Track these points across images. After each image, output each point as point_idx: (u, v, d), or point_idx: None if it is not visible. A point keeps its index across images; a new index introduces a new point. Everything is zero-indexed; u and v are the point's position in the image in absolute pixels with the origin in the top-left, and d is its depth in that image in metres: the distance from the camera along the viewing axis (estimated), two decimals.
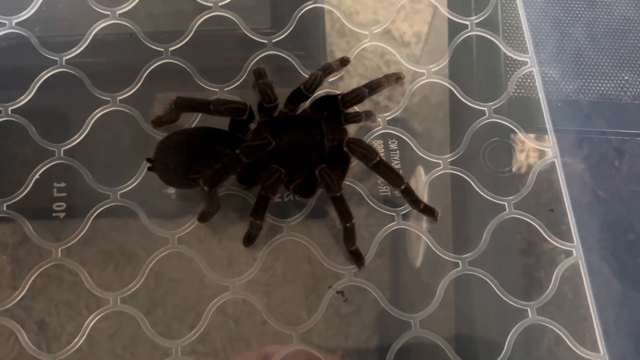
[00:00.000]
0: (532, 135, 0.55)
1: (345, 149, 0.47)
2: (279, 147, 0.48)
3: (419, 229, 0.51)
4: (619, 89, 0.56)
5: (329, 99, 0.50)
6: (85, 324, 0.48)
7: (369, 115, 0.51)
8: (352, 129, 0.53)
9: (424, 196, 0.52)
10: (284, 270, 0.50)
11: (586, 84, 0.56)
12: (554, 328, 0.49)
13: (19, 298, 0.49)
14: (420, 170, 0.53)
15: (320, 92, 0.52)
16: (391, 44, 0.58)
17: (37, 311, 0.48)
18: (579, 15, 0.57)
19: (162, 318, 0.48)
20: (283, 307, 0.49)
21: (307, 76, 0.55)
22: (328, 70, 0.51)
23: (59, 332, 0.48)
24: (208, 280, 0.49)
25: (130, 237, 0.51)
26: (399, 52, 0.57)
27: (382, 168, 0.47)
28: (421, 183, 0.53)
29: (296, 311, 0.49)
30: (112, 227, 0.51)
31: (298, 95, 0.50)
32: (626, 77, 0.56)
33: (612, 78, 0.56)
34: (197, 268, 0.50)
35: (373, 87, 0.50)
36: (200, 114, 0.53)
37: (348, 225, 0.47)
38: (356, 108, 0.52)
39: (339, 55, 0.56)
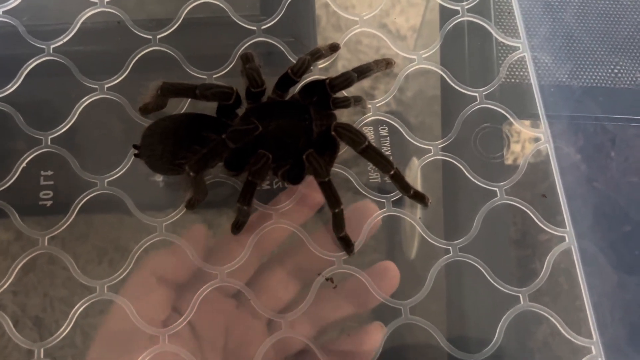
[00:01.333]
0: (524, 121, 0.54)
1: (333, 133, 0.47)
2: (266, 132, 0.47)
3: (410, 215, 0.51)
4: (612, 74, 0.55)
5: (317, 83, 0.49)
6: (72, 312, 0.47)
7: (358, 100, 0.51)
8: (342, 116, 0.53)
9: (416, 183, 0.52)
10: (273, 256, 0.49)
11: (579, 69, 0.55)
12: (546, 314, 0.48)
13: (4, 288, 0.48)
14: (411, 156, 0.53)
15: (309, 78, 0.52)
16: (385, 35, 0.57)
17: (20, 299, 0.48)
18: (571, 0, 0.57)
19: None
20: (272, 294, 0.48)
21: None
22: (317, 54, 0.51)
23: (48, 323, 0.48)
24: (195, 269, 0.49)
25: (118, 226, 0.50)
26: (393, 43, 0.56)
27: (371, 153, 0.47)
28: (412, 169, 0.52)
29: (287, 298, 0.48)
30: (100, 216, 0.51)
31: (286, 80, 0.50)
32: (619, 62, 0.55)
33: (605, 63, 0.55)
34: (185, 256, 0.49)
35: (362, 72, 0.49)
36: (188, 102, 0.52)
37: (337, 210, 0.47)
38: (345, 93, 0.51)
39: (332, 38, 0.56)
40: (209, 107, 0.50)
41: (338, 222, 0.47)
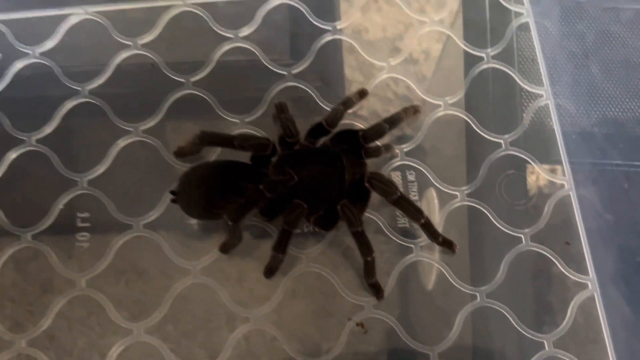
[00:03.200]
0: (547, 167, 0.55)
1: (366, 184, 0.48)
2: (300, 181, 0.49)
3: (437, 260, 0.52)
4: (634, 121, 0.57)
5: (350, 133, 0.51)
6: (109, 354, 0.49)
7: (388, 148, 0.52)
8: (370, 160, 0.54)
9: (441, 227, 0.53)
10: (305, 302, 0.51)
11: (602, 116, 0.57)
12: None
13: (44, 328, 0.49)
14: (438, 201, 0.54)
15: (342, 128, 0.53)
16: (402, 65, 0.58)
17: (62, 341, 0.49)
18: (594, 48, 0.58)
19: (179, 334, 0.49)
20: (304, 339, 0.50)
21: (325, 107, 0.56)
22: (348, 103, 0.52)
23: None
24: (229, 312, 0.50)
25: (152, 267, 0.52)
26: (409, 73, 0.58)
27: (403, 203, 0.48)
28: (438, 214, 0.54)
29: (317, 343, 0.50)
30: (135, 257, 0.52)
31: (319, 129, 0.51)
32: None
33: (628, 110, 0.57)
34: (218, 298, 0.50)
35: (393, 122, 0.51)
36: None
37: (369, 259, 0.48)
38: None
39: (355, 77, 0.57)
40: (243, 153, 0.51)
41: (369, 269, 0.49)
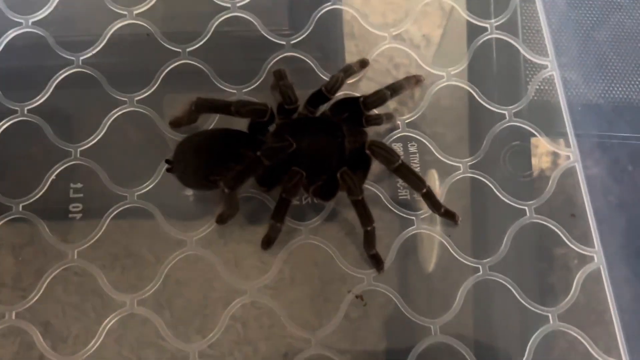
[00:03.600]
0: (552, 139, 0.54)
1: (367, 151, 0.47)
2: (299, 149, 0.47)
3: (439, 233, 0.51)
4: None
5: (350, 101, 0.50)
6: (102, 326, 0.47)
7: (389, 117, 0.51)
8: (371, 132, 0.53)
9: (443, 199, 0.52)
10: (303, 274, 0.49)
11: (608, 88, 0.55)
12: (575, 334, 0.48)
13: (34, 300, 0.48)
14: (440, 173, 0.53)
15: (339, 95, 0.52)
16: (402, 45, 0.57)
17: (49, 313, 0.48)
18: (602, 19, 0.57)
19: (175, 320, 0.48)
20: (301, 310, 0.49)
21: (325, 78, 0.55)
22: (349, 71, 0.51)
23: (65, 335, 0.48)
24: (225, 283, 0.49)
25: (146, 239, 0.50)
26: (415, 53, 0.57)
27: (404, 171, 0.47)
28: (440, 186, 0.52)
29: (315, 314, 0.49)
30: (129, 229, 0.51)
31: (319, 97, 0.50)
32: None
33: (635, 82, 0.56)
34: (215, 271, 0.49)
35: (395, 90, 0.50)
36: (218, 116, 0.53)
37: (369, 228, 0.47)
38: (376, 110, 0.51)
39: (355, 57, 0.56)
40: (240, 122, 0.50)
41: (369, 240, 0.48)
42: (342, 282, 0.49)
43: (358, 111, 0.49)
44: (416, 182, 0.47)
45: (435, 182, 0.53)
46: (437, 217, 0.51)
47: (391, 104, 0.54)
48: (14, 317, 0.48)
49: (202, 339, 0.48)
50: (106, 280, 0.49)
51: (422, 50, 0.57)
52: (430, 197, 0.48)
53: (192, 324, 0.48)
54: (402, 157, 0.48)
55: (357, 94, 0.54)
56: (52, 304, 0.48)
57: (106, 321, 0.48)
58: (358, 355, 0.48)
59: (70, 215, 0.51)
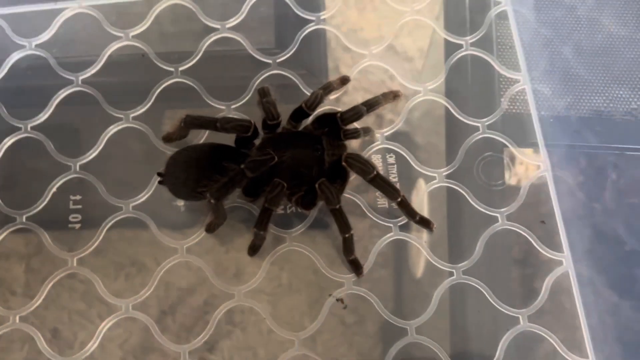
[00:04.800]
0: (524, 150, 0.57)
1: (343, 163, 0.50)
2: (281, 162, 0.50)
3: (416, 239, 0.54)
4: (609, 104, 0.58)
5: (329, 116, 0.53)
6: (97, 332, 0.51)
7: (367, 131, 0.54)
8: (352, 144, 0.56)
9: (422, 208, 0.55)
10: (288, 279, 0.53)
11: (577, 100, 0.58)
12: (544, 335, 0.51)
13: (35, 306, 0.51)
14: (417, 183, 0.56)
15: (321, 109, 0.55)
16: (393, 59, 0.60)
17: (51, 319, 0.51)
18: (569, 34, 0.60)
19: (171, 326, 0.51)
20: (287, 314, 0.52)
21: (309, 94, 0.58)
22: (328, 89, 0.54)
23: (71, 340, 0.51)
24: (215, 289, 0.52)
25: (141, 247, 0.54)
26: (401, 67, 0.60)
27: (379, 182, 0.50)
28: (418, 196, 0.55)
29: (300, 318, 0.52)
30: (124, 238, 0.54)
31: (300, 113, 0.53)
32: (616, 93, 0.59)
33: (602, 94, 0.58)
34: (205, 277, 0.52)
35: (371, 105, 0.53)
36: (208, 131, 0.56)
37: (347, 235, 0.50)
38: (356, 124, 0.54)
39: (343, 70, 0.59)
40: (228, 136, 0.53)
41: (348, 246, 0.51)
42: (324, 286, 0.52)
43: (337, 126, 0.52)
44: (391, 191, 0.50)
45: (412, 192, 0.56)
46: (415, 225, 0.53)
47: (371, 117, 0.57)
48: (17, 320, 0.51)
49: (203, 344, 0.51)
50: (104, 287, 0.52)
51: (400, 66, 0.60)
52: (405, 206, 0.51)
53: (193, 330, 0.51)
54: (378, 169, 0.51)
55: (338, 109, 0.57)
56: (58, 311, 0.52)
57: (107, 326, 0.51)
58: (337, 355, 0.51)
59: (70, 226, 0.54)
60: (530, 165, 0.56)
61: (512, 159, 0.57)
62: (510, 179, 0.56)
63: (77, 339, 0.51)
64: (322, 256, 0.53)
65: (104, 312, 0.52)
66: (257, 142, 0.53)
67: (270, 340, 0.51)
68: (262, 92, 0.53)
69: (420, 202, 0.55)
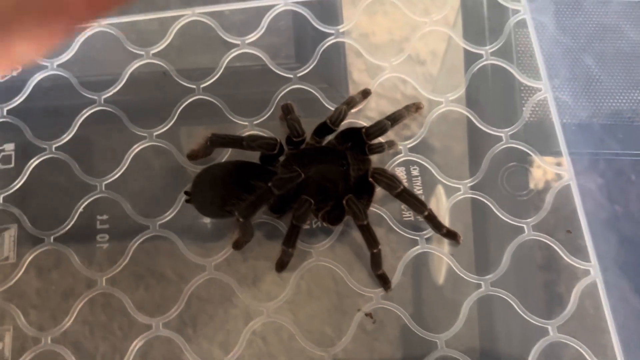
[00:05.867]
0: (547, 159, 0.57)
1: (370, 179, 0.50)
2: (307, 178, 0.51)
3: (442, 251, 0.54)
4: (632, 111, 0.58)
5: (354, 131, 0.53)
6: (129, 350, 0.51)
7: (391, 145, 0.54)
8: (375, 156, 0.56)
9: (446, 220, 0.55)
10: (316, 294, 0.53)
11: (599, 107, 0.58)
12: (574, 345, 0.51)
13: (67, 326, 0.52)
14: (442, 195, 0.56)
15: (346, 126, 0.55)
16: (407, 63, 0.60)
17: (81, 339, 0.52)
18: (589, 41, 0.60)
19: (198, 336, 0.52)
20: (314, 328, 0.52)
21: (330, 107, 0.58)
22: (351, 103, 0.55)
23: (93, 353, 0.51)
24: (242, 304, 0.52)
25: (168, 265, 0.54)
26: (413, 71, 0.60)
27: (406, 196, 0.50)
28: (443, 207, 0.55)
29: (327, 332, 0.52)
30: (152, 256, 0.54)
31: (324, 129, 0.53)
32: (638, 99, 0.58)
33: (625, 101, 0.58)
34: (232, 293, 0.53)
35: (395, 119, 0.53)
36: None
37: (375, 251, 0.50)
38: (380, 138, 0.54)
39: (364, 82, 0.60)
40: (253, 153, 0.54)
41: (376, 261, 0.51)
42: (352, 300, 0.52)
43: (361, 140, 0.52)
44: (418, 206, 0.50)
45: (437, 203, 0.56)
46: (441, 237, 0.54)
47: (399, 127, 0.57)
48: (50, 341, 0.51)
49: (225, 354, 0.51)
50: (130, 301, 0.52)
51: (413, 70, 0.60)
52: (432, 220, 0.51)
53: (214, 340, 0.52)
54: (404, 183, 0.51)
55: (362, 123, 0.57)
56: (81, 325, 0.52)
57: (132, 339, 0.51)
58: None
59: (97, 245, 0.55)
60: (554, 174, 0.56)
61: (536, 168, 0.57)
62: (534, 189, 0.56)
63: (106, 353, 0.51)
64: (349, 270, 0.53)
65: (135, 330, 0.52)
66: (282, 157, 0.54)
67: (296, 352, 0.51)
68: (286, 109, 0.54)
69: (445, 213, 0.55)
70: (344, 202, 0.49)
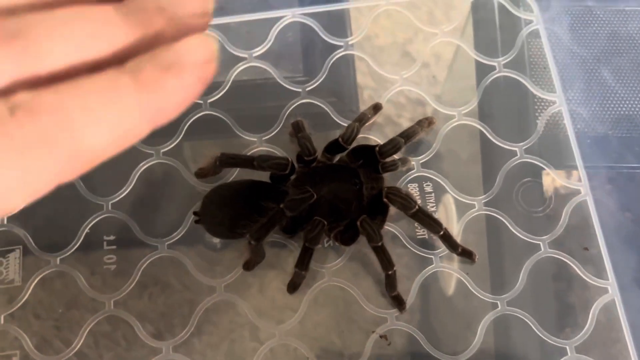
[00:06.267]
0: (563, 173, 0.56)
1: (385, 199, 0.49)
2: (320, 198, 0.50)
3: (457, 270, 0.53)
4: None
5: (367, 149, 0.52)
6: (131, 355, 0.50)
7: (404, 162, 0.53)
8: (388, 174, 0.55)
9: (459, 237, 0.54)
10: (329, 315, 0.52)
11: (615, 119, 0.57)
12: None
13: (77, 349, 0.51)
14: (455, 211, 0.55)
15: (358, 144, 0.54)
16: (418, 77, 0.59)
17: (82, 344, 0.51)
18: (604, 52, 0.59)
19: (204, 345, 0.51)
20: (328, 349, 0.51)
21: (339, 121, 0.57)
22: (363, 120, 0.53)
23: None
24: (254, 327, 0.51)
25: (177, 287, 0.53)
26: (418, 75, 0.59)
27: (421, 216, 0.49)
28: (456, 224, 0.54)
29: (342, 355, 0.51)
30: (158, 273, 0.53)
31: (336, 146, 0.52)
32: None
33: None
34: (244, 315, 0.52)
35: (409, 136, 0.52)
36: None
37: (390, 272, 0.49)
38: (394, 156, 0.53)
39: (373, 95, 0.58)
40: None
41: (391, 283, 0.50)
42: (365, 322, 0.51)
43: (374, 158, 0.51)
44: (433, 225, 0.49)
45: (451, 221, 0.55)
46: (455, 255, 0.53)
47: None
48: None
49: None
50: (143, 329, 0.51)
51: (432, 90, 0.59)
52: (447, 239, 0.50)
53: (219, 349, 0.51)
54: (418, 202, 0.50)
55: (373, 137, 0.56)
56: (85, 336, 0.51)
57: (136, 349, 0.50)
58: None
59: (105, 267, 0.53)
60: (569, 189, 0.55)
61: (552, 183, 0.56)
62: (550, 205, 0.55)
63: None
64: (361, 290, 0.52)
65: (145, 355, 0.51)
66: (293, 176, 0.53)
67: (299, 357, 0.50)
68: (297, 127, 0.52)
69: (459, 230, 0.54)
70: (358, 223, 0.48)
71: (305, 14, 0.61)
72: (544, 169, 0.56)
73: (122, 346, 0.51)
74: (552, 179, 0.56)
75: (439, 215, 0.54)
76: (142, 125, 0.23)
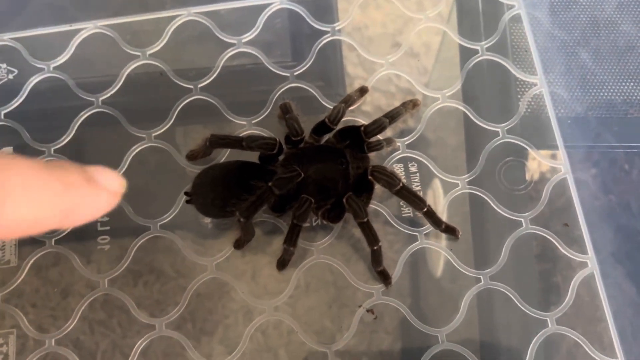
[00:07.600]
0: (544, 153, 0.57)
1: (370, 177, 0.50)
2: (307, 177, 0.51)
3: (441, 246, 0.54)
4: (626, 103, 0.59)
5: (352, 129, 0.53)
6: (132, 352, 0.51)
7: (389, 142, 0.55)
8: (374, 154, 0.56)
9: (444, 215, 0.55)
10: (317, 292, 0.53)
11: (594, 101, 0.59)
12: (572, 336, 0.52)
13: (70, 328, 0.52)
14: (440, 190, 0.57)
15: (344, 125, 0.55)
16: (404, 61, 0.61)
17: (78, 330, 0.52)
18: (584, 35, 0.60)
19: (198, 331, 0.52)
20: (317, 326, 0.52)
21: (327, 105, 0.58)
22: (349, 102, 0.55)
23: (94, 350, 0.52)
24: (243, 301, 0.53)
25: (170, 265, 0.54)
26: (407, 64, 0.61)
27: (405, 193, 0.51)
28: (441, 203, 0.56)
29: (330, 330, 0.52)
30: (153, 256, 0.55)
31: (323, 127, 0.54)
32: (633, 93, 0.59)
33: (620, 94, 0.59)
34: (235, 293, 0.53)
35: (393, 117, 0.53)
36: None
37: (375, 248, 0.50)
38: (378, 136, 0.55)
39: (356, 75, 0.60)
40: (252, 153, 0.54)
41: (376, 258, 0.51)
42: (353, 296, 0.53)
43: (360, 138, 0.53)
44: (417, 202, 0.51)
45: (435, 199, 0.56)
46: (440, 232, 0.54)
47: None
48: (53, 344, 0.52)
49: (224, 349, 0.51)
50: (134, 302, 0.53)
51: (421, 79, 0.60)
52: (431, 216, 0.52)
53: (214, 334, 0.52)
54: (402, 180, 0.51)
55: (361, 120, 0.57)
56: (80, 322, 0.52)
57: (133, 338, 0.52)
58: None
59: (99, 247, 0.55)
60: (550, 168, 0.57)
61: (533, 162, 0.57)
62: (531, 183, 0.57)
63: (106, 350, 0.52)
64: (349, 266, 0.54)
65: (136, 331, 0.52)
66: (281, 157, 0.54)
67: (296, 347, 0.52)
68: (285, 109, 0.54)
69: (443, 209, 0.56)
70: (344, 200, 0.50)
71: (292, 0, 0.62)
72: (525, 148, 0.57)
73: (118, 331, 0.53)
74: (533, 159, 0.57)
75: (424, 195, 0.56)
76: (56, 216, 0.27)
